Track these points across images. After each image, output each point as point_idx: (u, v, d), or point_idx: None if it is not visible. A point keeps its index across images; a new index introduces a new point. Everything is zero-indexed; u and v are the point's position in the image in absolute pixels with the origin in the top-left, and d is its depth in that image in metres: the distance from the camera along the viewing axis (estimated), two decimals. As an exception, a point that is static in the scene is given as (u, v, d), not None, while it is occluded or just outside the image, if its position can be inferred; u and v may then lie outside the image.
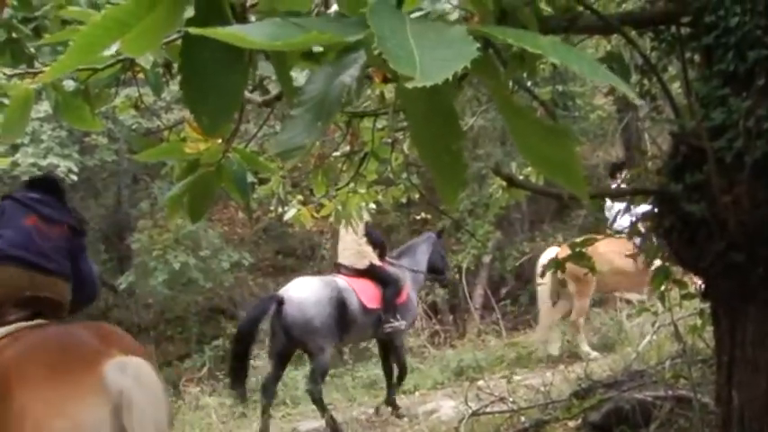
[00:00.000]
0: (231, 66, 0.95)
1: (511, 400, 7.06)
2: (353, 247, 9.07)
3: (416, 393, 10.02)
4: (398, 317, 8.96)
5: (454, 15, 1.66)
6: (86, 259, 4.08)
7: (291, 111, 0.93)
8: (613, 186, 7.49)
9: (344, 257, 9.20)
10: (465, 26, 0.84)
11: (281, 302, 8.47)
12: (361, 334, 9.17)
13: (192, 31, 0.83)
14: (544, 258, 8.18)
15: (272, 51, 1.04)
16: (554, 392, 6.83)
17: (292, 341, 8.55)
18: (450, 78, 0.74)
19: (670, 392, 5.23)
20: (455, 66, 0.74)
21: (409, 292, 9.34)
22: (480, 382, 8.37)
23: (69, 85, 1.89)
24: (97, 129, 2.34)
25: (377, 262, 9.12)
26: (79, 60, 0.96)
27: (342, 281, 8.88)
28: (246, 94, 1.59)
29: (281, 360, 8.84)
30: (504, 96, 1.02)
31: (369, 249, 9.08)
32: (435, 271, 10.09)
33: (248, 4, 1.11)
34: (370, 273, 9.05)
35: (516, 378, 9.21)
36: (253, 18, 0.99)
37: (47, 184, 3.95)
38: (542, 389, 6.97)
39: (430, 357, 12.23)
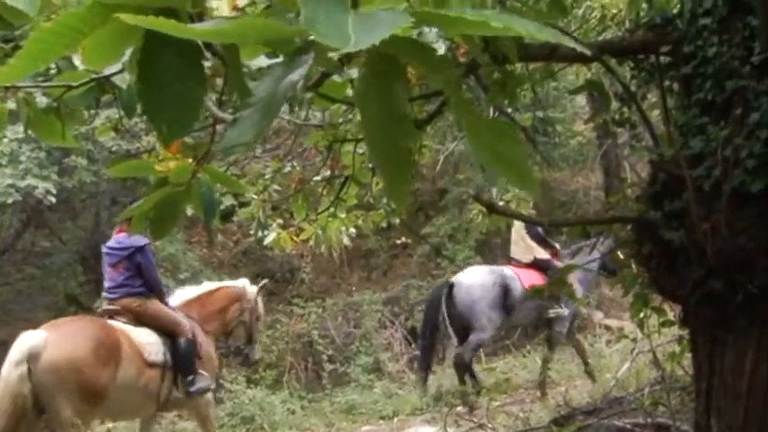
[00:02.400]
0: (189, 74, 0.95)
1: (490, 426, 7.03)
2: (520, 242, 10.20)
3: (395, 419, 9.96)
4: (562, 305, 9.68)
5: (441, 46, 1.67)
6: None
7: (241, 112, 0.93)
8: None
9: (514, 252, 10.35)
10: (402, 8, 0.84)
11: (451, 287, 9.77)
12: (525, 317, 10.16)
13: (124, 17, 0.82)
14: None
15: (226, 54, 1.04)
16: (533, 419, 6.82)
17: (462, 320, 9.75)
18: (379, 42, 0.74)
19: (649, 420, 5.22)
20: (386, 30, 0.74)
21: (574, 284, 9.84)
22: (459, 408, 8.34)
23: (42, 101, 1.87)
24: (71, 145, 2.33)
25: (541, 256, 10.11)
26: (30, 66, 0.94)
27: (509, 270, 10.02)
28: (219, 112, 1.58)
29: (459, 335, 9.92)
30: (456, 93, 1.02)
31: (534, 245, 10.13)
32: (608, 271, 10.50)
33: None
34: (535, 265, 10.05)
35: (495, 404, 9.19)
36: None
37: None
38: (521, 415, 6.95)
39: (409, 383, 12.17)
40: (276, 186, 5.07)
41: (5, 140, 11.23)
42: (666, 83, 3.52)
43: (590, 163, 17.40)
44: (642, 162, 6.22)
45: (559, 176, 17.69)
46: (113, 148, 12.48)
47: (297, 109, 4.07)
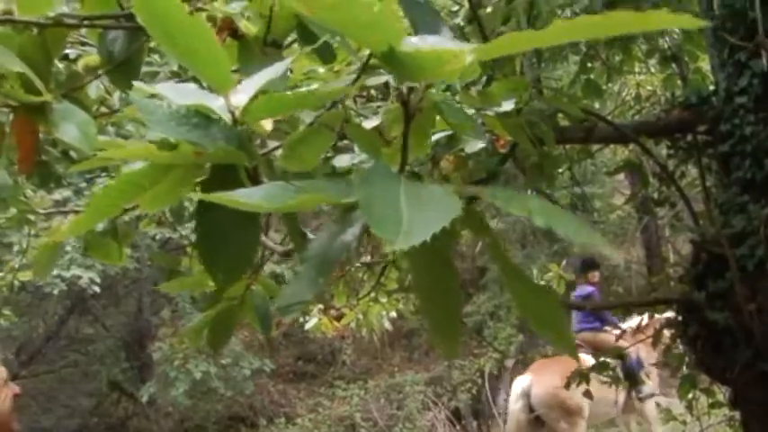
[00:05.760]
0: (244, 226, 0.98)
1: None
2: None
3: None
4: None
5: (479, 144, 1.70)
6: None
7: (298, 267, 0.97)
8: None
9: None
10: (453, 186, 0.85)
11: None
12: None
13: (198, 196, 0.88)
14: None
15: (284, 217, 1.08)
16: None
17: None
18: (438, 233, 0.75)
19: (703, 503, 5.07)
20: (436, 225, 0.75)
21: None
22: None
23: (99, 225, 1.93)
24: (122, 263, 2.42)
25: None
26: (95, 220, 1.00)
27: None
28: (269, 242, 1.62)
29: None
30: (500, 253, 1.04)
31: None
32: None
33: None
34: None
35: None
36: (265, 180, 1.03)
37: None
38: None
39: (454, 465, 11.94)
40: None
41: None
42: (705, 161, 3.51)
43: (630, 236, 17.28)
44: (683, 239, 6.17)
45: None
46: (156, 236, 12.63)
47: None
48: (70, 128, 1.33)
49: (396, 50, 0.87)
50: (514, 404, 8.37)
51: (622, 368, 8.16)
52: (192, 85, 1.04)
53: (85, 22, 1.51)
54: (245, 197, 0.80)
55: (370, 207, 0.78)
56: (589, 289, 8.59)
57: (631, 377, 8.30)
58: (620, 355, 8.21)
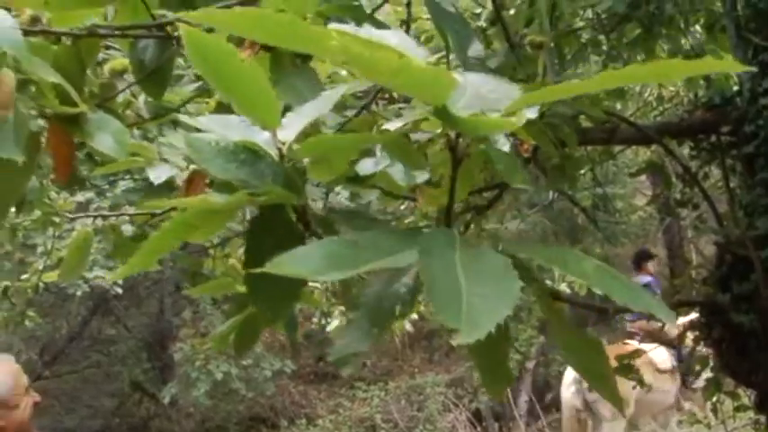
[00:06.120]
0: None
1: None
2: None
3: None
4: None
5: (504, 143, 1.69)
6: None
7: (351, 314, 0.97)
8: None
9: None
10: (509, 257, 0.83)
11: None
12: None
13: (245, 273, 0.92)
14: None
15: None
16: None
17: None
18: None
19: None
20: (500, 315, 0.73)
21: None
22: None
23: (127, 229, 1.95)
24: (151, 269, 2.43)
25: None
26: (148, 261, 1.01)
27: None
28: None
29: None
30: (551, 309, 1.04)
31: None
32: None
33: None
34: None
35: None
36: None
37: None
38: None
39: (475, 467, 11.92)
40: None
41: (74, 233, 11.44)
42: (728, 162, 3.49)
43: (652, 237, 17.16)
44: (705, 239, 6.12)
45: (622, 252, 17.44)
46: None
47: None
48: (106, 138, 1.35)
49: (451, 111, 0.87)
50: (566, 390, 8.64)
51: (677, 358, 8.46)
52: (236, 118, 1.05)
53: (118, 33, 1.53)
54: (303, 266, 0.77)
55: (431, 287, 0.76)
56: (646, 279, 8.54)
57: (685, 367, 8.40)
58: (674, 345, 8.21)
